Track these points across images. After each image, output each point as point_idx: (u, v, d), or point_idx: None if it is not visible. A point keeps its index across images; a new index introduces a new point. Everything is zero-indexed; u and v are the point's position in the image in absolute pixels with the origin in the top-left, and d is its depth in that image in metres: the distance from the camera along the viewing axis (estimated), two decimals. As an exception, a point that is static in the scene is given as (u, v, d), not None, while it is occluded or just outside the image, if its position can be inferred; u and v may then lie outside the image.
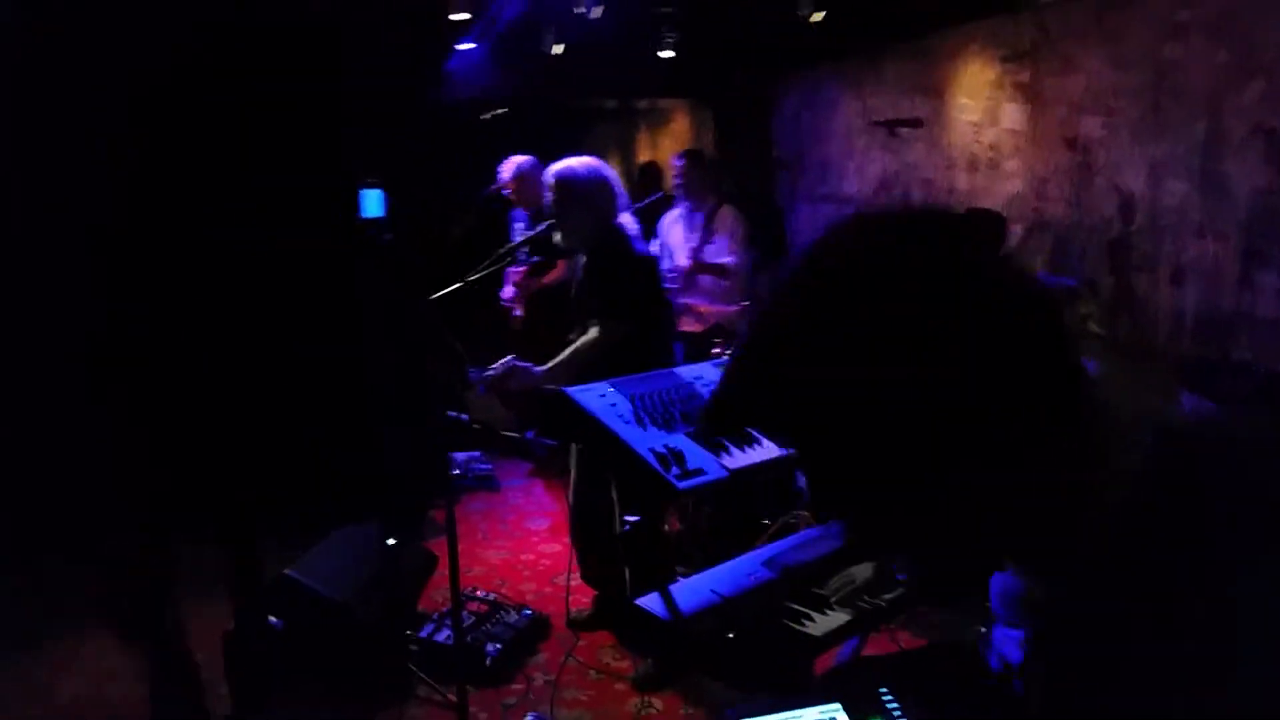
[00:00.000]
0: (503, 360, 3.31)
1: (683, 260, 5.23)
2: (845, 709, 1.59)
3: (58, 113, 1.33)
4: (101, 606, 2.57)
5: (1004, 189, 5.41)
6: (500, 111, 9.57)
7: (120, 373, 1.44)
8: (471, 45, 6.91)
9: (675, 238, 5.36)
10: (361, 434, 1.54)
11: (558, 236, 3.53)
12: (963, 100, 5.73)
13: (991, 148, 5.50)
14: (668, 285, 5.18)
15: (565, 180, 3.45)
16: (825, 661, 2.53)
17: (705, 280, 5.20)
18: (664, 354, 3.58)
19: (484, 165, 6.15)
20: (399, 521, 3.83)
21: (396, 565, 3.56)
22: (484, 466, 5.60)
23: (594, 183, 3.46)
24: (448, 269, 3.41)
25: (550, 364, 3.38)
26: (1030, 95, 5.20)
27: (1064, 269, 4.88)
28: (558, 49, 6.79)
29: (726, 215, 5.22)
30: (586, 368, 3.17)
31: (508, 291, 5.70)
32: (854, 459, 0.93)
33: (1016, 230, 5.14)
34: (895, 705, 1.60)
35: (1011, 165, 5.36)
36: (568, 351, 3.38)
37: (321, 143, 1.44)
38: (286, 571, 3.32)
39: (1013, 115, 5.33)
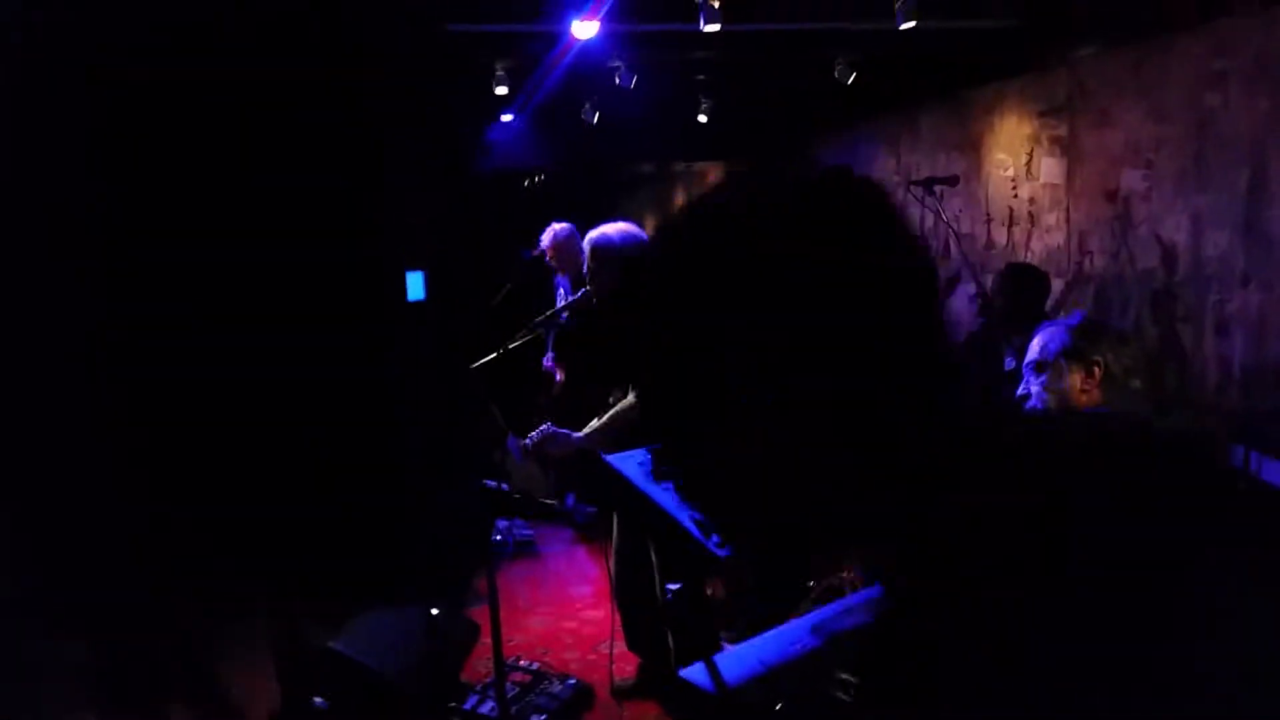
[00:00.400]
0: (540, 428, 3.33)
1: None
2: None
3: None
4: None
5: (1044, 243, 5.38)
6: (539, 178, 9.75)
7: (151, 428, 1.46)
8: (511, 117, 7.08)
9: None
10: (400, 500, 1.54)
11: (595, 301, 3.58)
12: (999, 155, 5.74)
13: (1030, 201, 5.48)
14: None
15: (601, 247, 3.51)
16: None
17: None
18: None
19: (525, 231, 6.26)
20: (442, 591, 3.83)
21: (440, 636, 3.55)
22: (526, 532, 5.58)
23: (629, 248, 3.50)
24: (489, 335, 3.46)
25: (589, 429, 3.40)
26: (1068, 149, 5.19)
27: (1108, 318, 4.82)
28: (595, 118, 6.94)
29: None
30: (626, 433, 3.17)
31: (549, 357, 5.74)
32: (695, 406, 0.86)
33: (1058, 284, 5.10)
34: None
35: (1051, 219, 5.33)
36: (606, 416, 3.39)
37: (366, 224, 1.47)
38: (331, 644, 3.32)
39: (1051, 169, 5.32)
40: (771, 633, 2.38)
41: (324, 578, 1.87)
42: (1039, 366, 2.28)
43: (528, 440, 3.29)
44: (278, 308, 1.46)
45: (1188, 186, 4.40)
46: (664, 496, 2.21)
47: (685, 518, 2.20)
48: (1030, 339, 2.35)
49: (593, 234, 3.57)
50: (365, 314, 1.42)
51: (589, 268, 3.53)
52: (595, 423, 3.44)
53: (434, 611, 3.61)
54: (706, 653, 2.21)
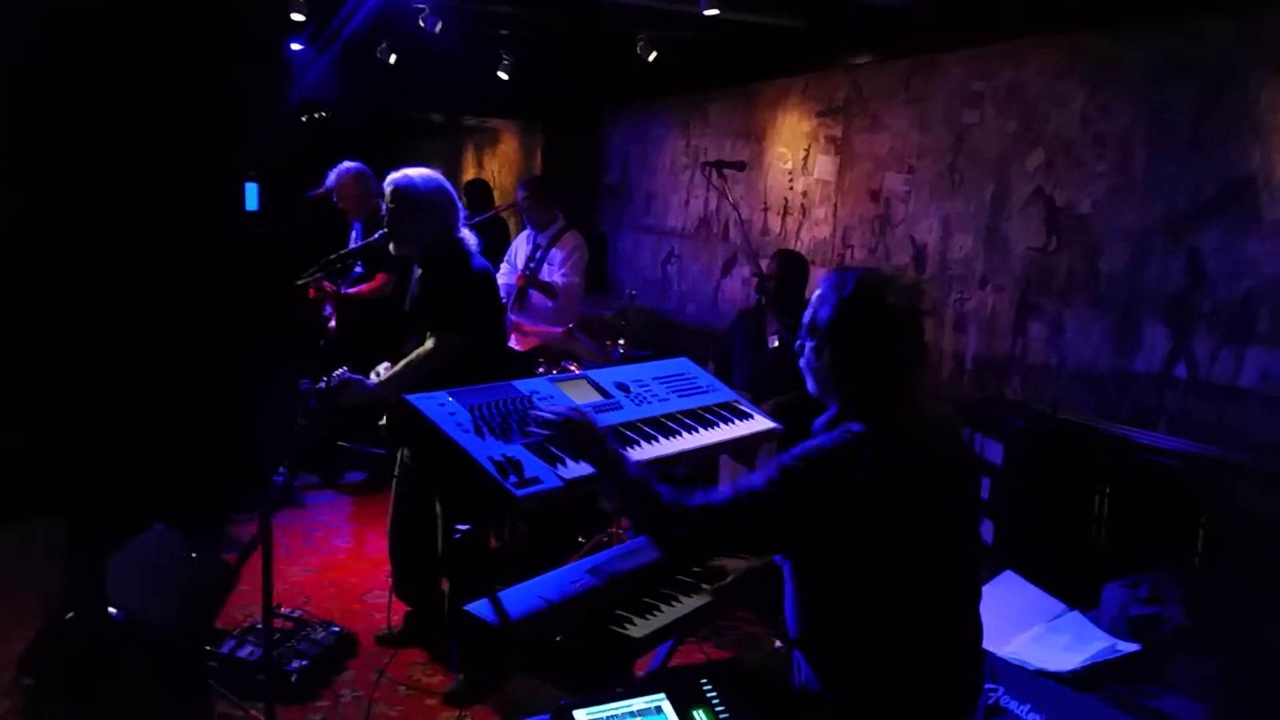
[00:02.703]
0: (336, 372, 3.24)
1: (517, 280, 5.29)
2: (669, 698, 1.69)
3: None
4: None
5: (813, 234, 5.78)
6: (320, 114, 9.30)
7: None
8: (300, 47, 6.73)
9: (519, 257, 5.43)
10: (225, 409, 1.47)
11: (392, 245, 3.50)
12: (780, 148, 6.09)
13: (804, 195, 5.87)
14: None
15: (403, 190, 3.41)
16: (643, 665, 2.63)
17: (536, 300, 5.26)
18: (499, 368, 3.61)
19: (308, 169, 5.99)
20: (199, 533, 3.66)
21: (197, 578, 3.40)
22: (284, 480, 5.39)
23: (434, 194, 3.44)
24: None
25: (384, 376, 3.34)
26: (841, 148, 5.59)
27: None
28: (392, 58, 6.73)
29: (569, 238, 5.33)
30: (422, 381, 3.14)
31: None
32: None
33: (821, 271, 5.49)
34: (714, 694, 1.71)
35: (820, 212, 5.73)
36: (402, 363, 3.34)
37: (208, 134, 1.42)
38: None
39: (824, 166, 5.71)
40: (550, 574, 2.48)
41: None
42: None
43: (322, 383, 3.18)
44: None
45: (941, 193, 4.87)
46: (463, 437, 2.24)
47: (484, 458, 2.24)
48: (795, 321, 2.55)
49: (394, 175, 3.47)
50: (207, 221, 1.37)
51: (389, 210, 3.44)
52: (387, 370, 3.38)
53: (191, 554, 3.46)
54: (490, 590, 2.27)
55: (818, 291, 2.05)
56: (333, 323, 5.57)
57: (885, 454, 1.88)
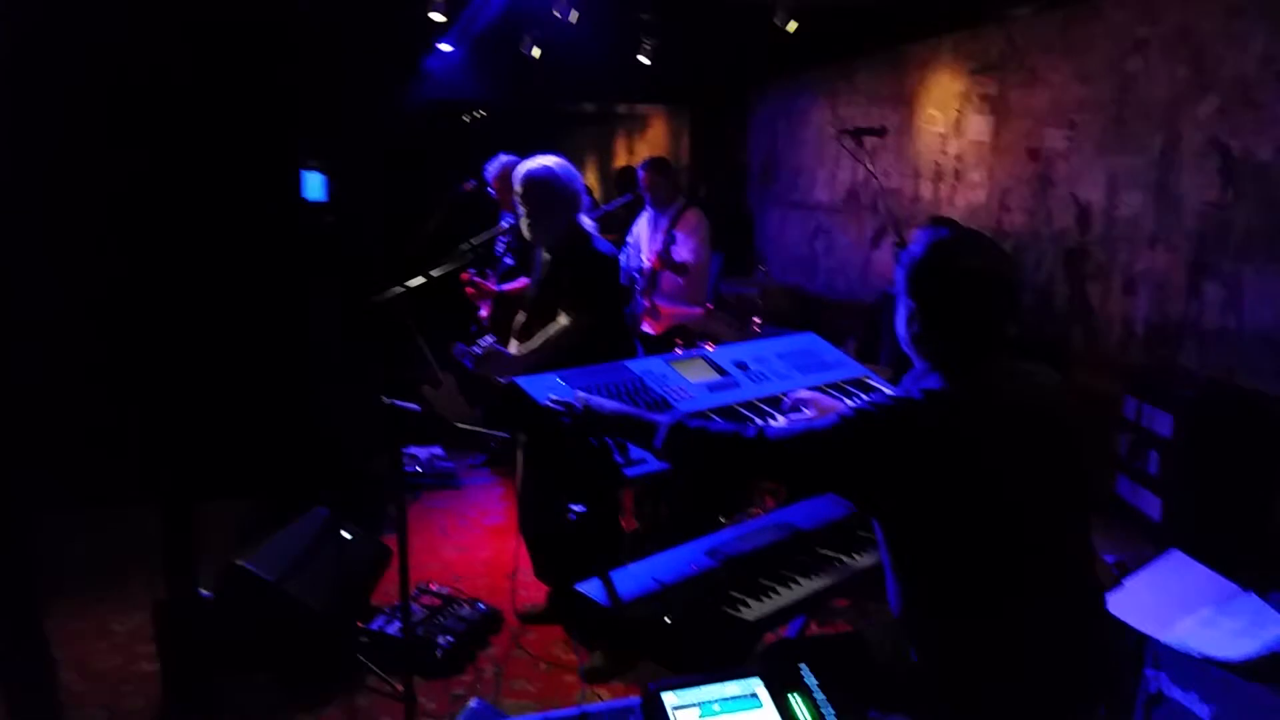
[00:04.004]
0: (483, 339, 3.33)
1: (647, 260, 5.28)
2: (765, 682, 1.63)
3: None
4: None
5: (967, 199, 5.49)
6: (478, 113, 9.59)
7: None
8: (450, 47, 6.94)
9: (643, 239, 5.44)
10: (300, 412, 1.55)
11: (529, 233, 3.56)
12: (931, 111, 5.81)
13: (957, 158, 5.58)
14: (633, 285, 5.22)
15: (538, 178, 3.48)
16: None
17: (667, 281, 5.24)
18: (625, 350, 3.62)
19: (465, 164, 6.19)
20: (354, 516, 3.84)
21: (348, 558, 3.57)
22: (447, 464, 5.60)
23: (568, 182, 3.51)
24: (421, 263, 3.43)
25: (522, 350, 3.40)
26: (996, 107, 5.28)
27: (1022, 278, 4.95)
28: (536, 52, 6.83)
29: (691, 217, 5.29)
30: (557, 358, 3.18)
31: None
32: None
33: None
34: (813, 680, 1.63)
35: (975, 176, 5.43)
36: (538, 339, 3.40)
37: (261, 122, 1.46)
38: (237, 561, 3.32)
39: (978, 126, 5.41)
40: (668, 553, 2.44)
41: (220, 479, 1.86)
42: None
43: (475, 348, 3.29)
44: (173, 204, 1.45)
45: (1106, 148, 4.51)
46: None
47: (592, 439, 2.23)
48: None
49: (527, 164, 3.52)
50: (260, 208, 1.41)
51: (523, 197, 3.49)
52: (524, 345, 3.45)
53: (345, 534, 3.63)
54: (603, 570, 2.27)
55: None
56: (483, 313, 5.69)
57: (958, 413, 1.83)
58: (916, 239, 1.97)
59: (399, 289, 3.20)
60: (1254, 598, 2.69)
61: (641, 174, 5.43)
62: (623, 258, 5.25)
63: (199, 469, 1.59)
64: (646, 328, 5.11)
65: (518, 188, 3.52)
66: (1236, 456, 3.21)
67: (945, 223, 4.63)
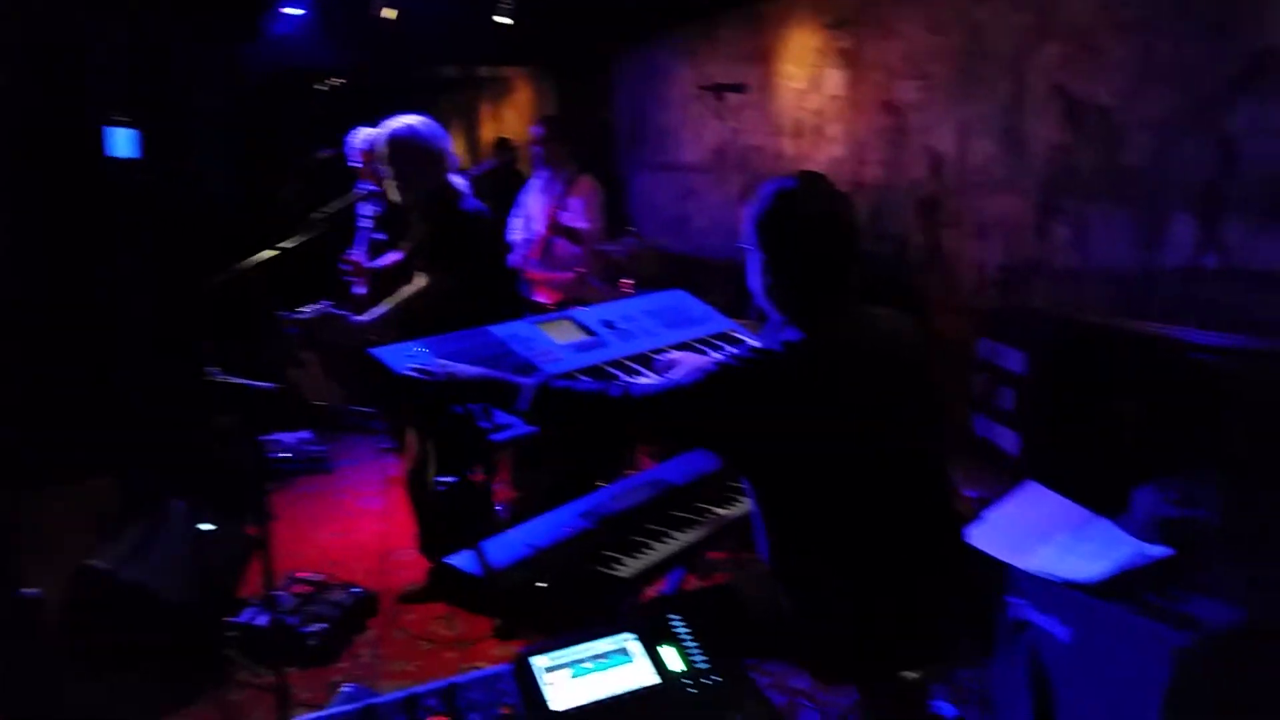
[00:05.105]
0: (315, 305, 3.17)
1: (540, 227, 5.15)
2: (637, 636, 1.60)
3: None
4: None
5: (827, 153, 5.57)
6: (335, 81, 9.22)
7: None
8: (299, 11, 6.62)
9: (535, 207, 5.29)
10: (105, 388, 1.42)
11: (398, 195, 3.44)
12: (789, 67, 5.86)
13: (816, 113, 5.65)
14: (524, 254, 5.07)
15: (406, 138, 3.38)
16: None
17: (560, 248, 5.12)
18: (500, 315, 3.53)
19: (322, 134, 5.94)
20: (218, 506, 3.67)
21: (209, 550, 3.41)
22: (316, 448, 5.41)
23: (428, 138, 3.42)
24: (278, 235, 3.26)
25: (371, 314, 3.27)
26: (852, 61, 5.35)
27: (881, 229, 5.07)
28: (389, 13, 6.58)
29: (585, 182, 5.16)
30: (412, 322, 3.06)
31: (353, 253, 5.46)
32: None
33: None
34: (685, 630, 1.62)
35: (834, 130, 5.51)
36: (388, 300, 3.29)
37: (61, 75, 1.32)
38: (89, 562, 3.14)
39: (835, 81, 5.48)
40: (542, 518, 2.40)
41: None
42: None
43: (300, 314, 3.12)
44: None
45: (956, 97, 4.63)
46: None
47: (455, 407, 2.16)
48: None
49: (391, 124, 3.42)
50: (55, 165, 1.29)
51: (389, 158, 3.38)
52: (379, 307, 3.33)
53: (203, 526, 3.47)
54: (474, 540, 2.21)
55: None
56: (357, 290, 5.46)
57: (816, 362, 1.87)
58: (760, 190, 1.99)
59: (250, 262, 3.03)
60: (1106, 521, 2.82)
61: (536, 133, 5.24)
62: (515, 230, 5.09)
63: None
64: (540, 297, 4.98)
65: (382, 148, 3.40)
66: (1085, 389, 3.35)
67: (804, 175, 4.70)
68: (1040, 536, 2.80)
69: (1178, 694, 2.29)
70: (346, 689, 2.60)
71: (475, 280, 3.37)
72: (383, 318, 3.22)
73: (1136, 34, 3.72)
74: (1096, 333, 3.51)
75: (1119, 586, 2.53)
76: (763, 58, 6.07)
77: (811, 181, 2.00)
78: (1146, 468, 2.99)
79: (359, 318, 3.22)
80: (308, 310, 3.11)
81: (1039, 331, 3.53)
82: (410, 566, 3.82)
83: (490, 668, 1.59)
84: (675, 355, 2.58)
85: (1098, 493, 2.92)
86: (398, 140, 3.39)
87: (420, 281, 3.29)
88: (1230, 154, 3.42)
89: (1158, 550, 2.61)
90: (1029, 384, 3.48)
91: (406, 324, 2.90)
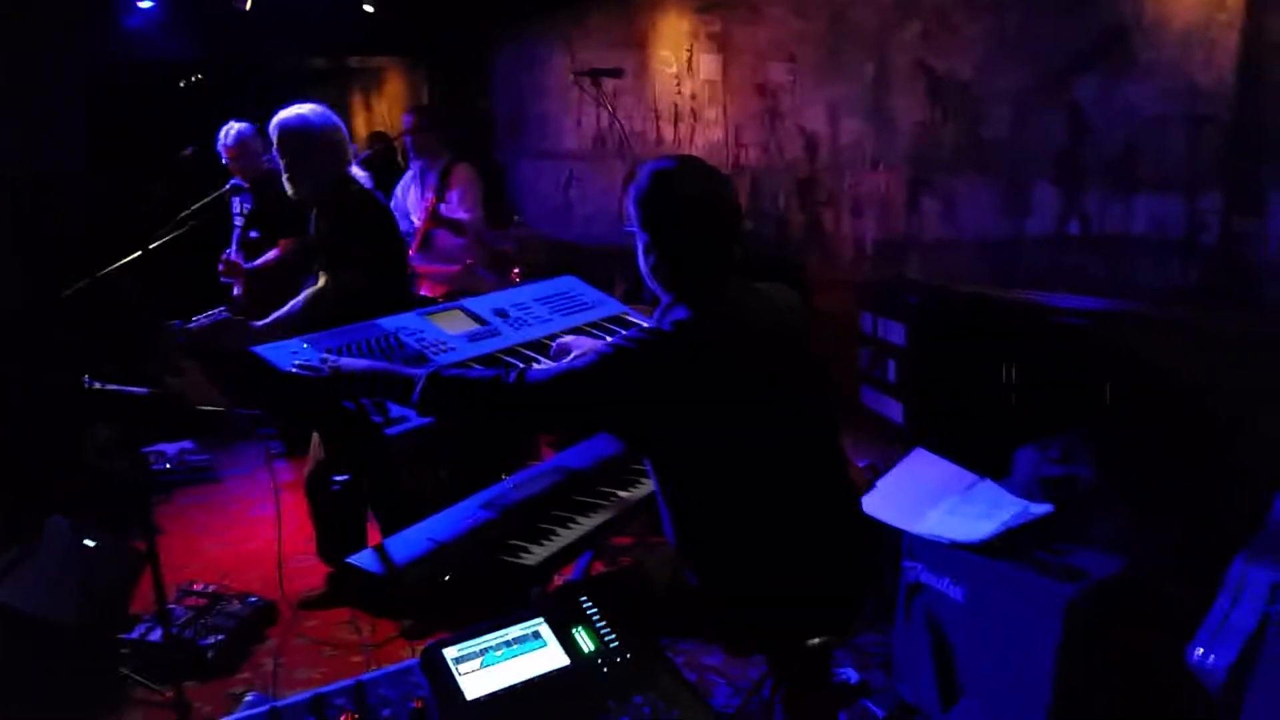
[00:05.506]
0: (211, 311, 3.05)
1: (418, 221, 5.06)
2: (547, 620, 1.62)
3: None
4: None
5: (705, 137, 5.64)
6: (197, 78, 8.86)
7: None
8: (150, 3, 6.33)
9: (411, 199, 5.19)
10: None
11: (290, 189, 3.32)
12: (663, 52, 5.90)
13: (692, 98, 5.71)
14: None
15: (297, 128, 3.25)
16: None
17: (442, 240, 5.05)
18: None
19: (185, 132, 5.70)
20: (100, 521, 3.52)
21: (94, 566, 3.26)
22: (199, 457, 5.22)
23: (327, 130, 3.29)
24: (145, 234, 3.12)
25: (271, 317, 3.15)
26: (723, 45, 5.43)
27: (761, 210, 5.18)
28: (246, 3, 6.34)
29: (462, 172, 5.09)
30: (314, 324, 2.97)
31: (230, 253, 5.27)
32: None
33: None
34: (594, 610, 1.64)
35: (711, 114, 5.59)
36: (289, 305, 3.17)
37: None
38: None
39: (709, 65, 5.55)
40: (444, 513, 2.38)
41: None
42: None
43: (194, 323, 2.99)
44: None
45: (825, 78, 4.75)
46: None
47: (346, 403, 2.13)
48: None
49: (284, 114, 3.28)
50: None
51: (281, 150, 3.25)
52: (280, 310, 3.20)
53: (87, 542, 3.32)
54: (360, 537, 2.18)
55: None
56: (237, 291, 5.27)
57: (706, 339, 1.91)
58: (639, 173, 2.02)
59: (115, 265, 2.90)
60: (990, 483, 2.96)
61: (408, 122, 5.14)
62: None
63: None
64: (425, 291, 4.90)
65: (273, 139, 3.27)
66: (962, 356, 3.51)
67: (681, 158, 4.76)
68: (929, 501, 2.92)
69: (1069, 643, 2.43)
70: (250, 698, 2.53)
71: (381, 277, 3.28)
72: (283, 321, 3.10)
73: (990, 12, 3.89)
74: (970, 301, 3.68)
75: (1007, 545, 2.67)
76: (637, 43, 6.10)
77: (688, 163, 2.05)
78: (1025, 430, 3.15)
79: (258, 323, 3.10)
80: (203, 318, 2.99)
81: (915, 302, 3.67)
82: (308, 573, 3.73)
83: (399, 663, 1.58)
84: (569, 340, 2.60)
85: (981, 456, 3.07)
86: (289, 130, 3.26)
87: (321, 282, 3.17)
88: (1082, 125, 3.61)
89: (1041, 508, 2.75)
90: (910, 355, 3.61)
91: (309, 326, 2.80)
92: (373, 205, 3.35)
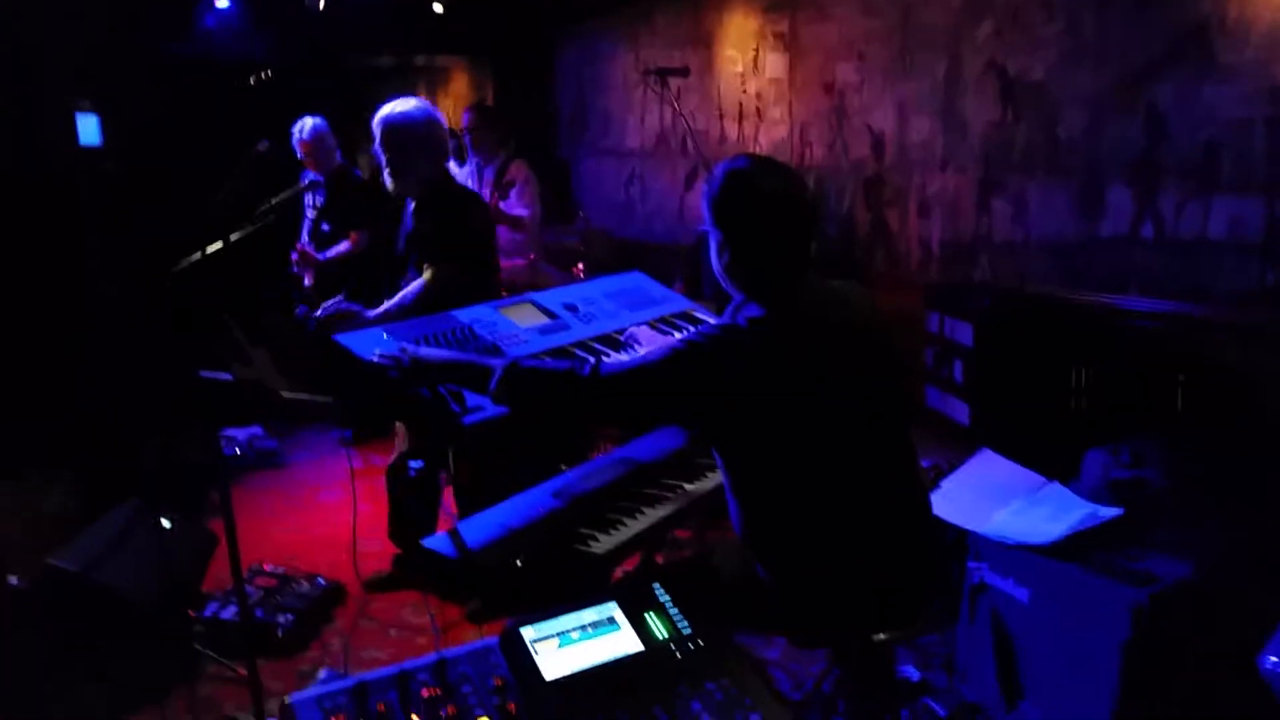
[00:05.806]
0: (333, 299, 3.12)
1: None
2: (621, 605, 1.65)
3: None
4: None
5: (770, 136, 5.64)
6: (266, 73, 9.06)
7: None
8: (227, 2, 6.51)
9: None
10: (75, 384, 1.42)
11: (392, 185, 3.35)
12: (729, 51, 5.92)
13: (758, 96, 5.72)
14: None
15: (402, 125, 3.26)
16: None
17: (503, 236, 5.13)
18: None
19: (257, 127, 5.84)
20: (175, 503, 3.63)
21: (170, 546, 3.37)
22: (268, 443, 5.35)
23: (431, 125, 3.31)
24: (219, 229, 3.21)
25: (382, 308, 3.20)
26: (790, 44, 5.43)
27: (827, 209, 5.16)
28: (320, 3, 6.49)
29: (519, 168, 5.16)
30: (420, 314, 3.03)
31: (303, 244, 5.40)
32: None
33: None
34: (667, 598, 1.66)
35: (776, 113, 5.58)
36: (397, 297, 3.22)
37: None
38: (51, 561, 3.09)
39: (775, 64, 5.55)
40: (514, 499, 2.43)
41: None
42: None
43: (319, 312, 3.06)
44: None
45: (894, 77, 4.73)
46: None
47: (424, 391, 2.18)
48: None
49: (386, 111, 3.29)
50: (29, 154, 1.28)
51: (385, 148, 3.26)
52: (388, 302, 3.25)
53: (164, 522, 3.43)
54: (435, 521, 2.23)
55: None
56: (308, 282, 5.39)
57: (780, 335, 1.91)
58: (715, 172, 2.03)
59: (194, 256, 2.98)
60: (1058, 486, 2.92)
61: (466, 119, 5.23)
62: None
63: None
64: None
65: (376, 135, 3.31)
66: (1031, 358, 3.47)
67: (754, 156, 4.77)
68: (996, 502, 2.90)
69: (1136, 648, 2.39)
70: (323, 674, 2.60)
71: (478, 270, 3.31)
72: (393, 312, 3.12)
73: (1065, 11, 3.84)
74: (1038, 303, 3.64)
75: (1074, 547, 2.64)
76: (703, 41, 6.12)
77: (763, 162, 2.06)
78: (1095, 432, 3.11)
79: (370, 312, 3.14)
80: (328, 305, 3.06)
81: (984, 304, 3.63)
82: (374, 557, 3.81)
83: (478, 640, 1.62)
84: (640, 334, 2.63)
85: (1049, 458, 3.03)
86: (390, 126, 3.27)
87: (426, 274, 3.20)
88: (1159, 127, 3.55)
89: (1110, 511, 2.72)
90: (978, 355, 3.58)
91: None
92: (475, 203, 3.38)
